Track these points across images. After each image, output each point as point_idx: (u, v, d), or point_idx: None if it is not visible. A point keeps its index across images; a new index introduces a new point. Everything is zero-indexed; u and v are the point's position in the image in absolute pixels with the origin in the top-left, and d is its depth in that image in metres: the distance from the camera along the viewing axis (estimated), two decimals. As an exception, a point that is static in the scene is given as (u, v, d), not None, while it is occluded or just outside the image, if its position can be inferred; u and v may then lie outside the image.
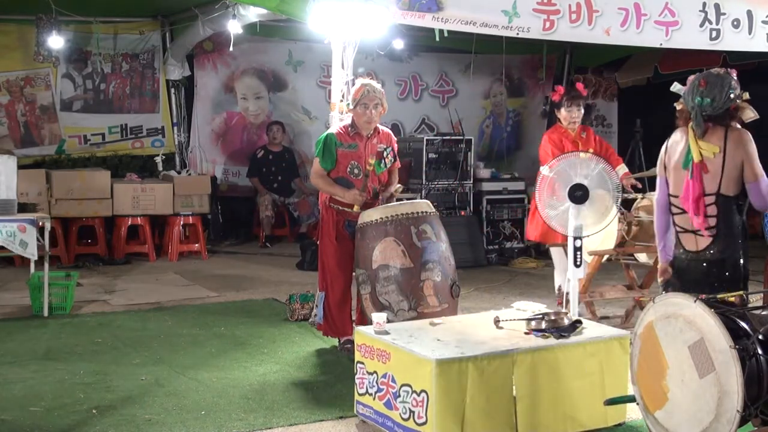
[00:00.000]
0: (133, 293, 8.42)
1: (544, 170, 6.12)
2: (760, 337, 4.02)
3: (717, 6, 7.68)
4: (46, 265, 7.36)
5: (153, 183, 10.55)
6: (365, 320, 5.92)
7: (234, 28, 9.15)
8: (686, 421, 4.02)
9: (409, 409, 4.46)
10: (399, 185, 6.55)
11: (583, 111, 7.27)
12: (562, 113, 7.22)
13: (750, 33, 7.86)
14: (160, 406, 5.17)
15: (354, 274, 6.23)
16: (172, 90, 11.63)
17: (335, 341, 6.52)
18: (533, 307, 5.38)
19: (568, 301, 6.20)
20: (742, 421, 3.85)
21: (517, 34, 7.13)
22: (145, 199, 10.26)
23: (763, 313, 4.31)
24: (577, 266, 6.03)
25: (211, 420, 4.95)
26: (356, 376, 4.93)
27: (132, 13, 11.14)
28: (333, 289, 6.35)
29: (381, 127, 6.40)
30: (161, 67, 11.50)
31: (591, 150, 7.06)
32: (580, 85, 7.33)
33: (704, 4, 7.64)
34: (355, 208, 6.16)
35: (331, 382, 5.71)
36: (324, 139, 6.29)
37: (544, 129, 13.58)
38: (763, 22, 7.88)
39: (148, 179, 10.84)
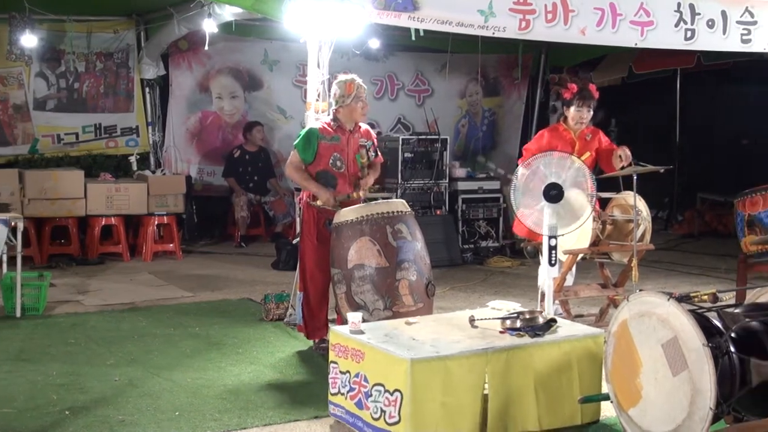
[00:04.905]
0: (106, 293, 8.36)
1: (519, 170, 6.13)
2: (733, 335, 4.05)
3: (692, 6, 7.71)
4: (19, 266, 7.29)
5: (127, 183, 10.49)
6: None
7: (209, 27, 9.11)
8: (659, 419, 4.05)
9: (381, 408, 4.45)
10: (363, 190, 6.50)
11: (592, 113, 7.22)
12: (571, 112, 7.13)
13: (725, 33, 7.90)
14: (133, 407, 5.14)
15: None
16: (147, 89, 11.56)
17: (310, 341, 6.50)
18: (508, 306, 5.41)
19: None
20: (715, 419, 3.88)
21: (493, 33, 7.12)
22: (119, 198, 10.20)
23: (736, 311, 4.34)
24: (552, 265, 6.05)
25: (185, 420, 4.93)
26: (329, 376, 4.92)
27: (106, 12, 11.06)
28: (312, 289, 6.35)
29: (360, 123, 6.42)
30: (136, 66, 11.43)
31: (588, 153, 7.06)
32: (592, 87, 7.26)
33: (679, 5, 7.67)
34: (319, 202, 6.20)
35: (305, 382, 5.70)
36: (306, 132, 6.31)
37: (520, 128, 13.72)
38: (738, 22, 7.93)
39: (122, 179, 10.80)
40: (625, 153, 6.99)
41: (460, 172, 11.14)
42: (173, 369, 5.92)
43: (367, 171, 6.48)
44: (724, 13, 7.86)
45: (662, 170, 6.64)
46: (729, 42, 7.99)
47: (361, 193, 6.34)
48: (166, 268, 9.84)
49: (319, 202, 6.23)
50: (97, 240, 10.19)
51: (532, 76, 13.69)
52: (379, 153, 6.59)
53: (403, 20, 6.74)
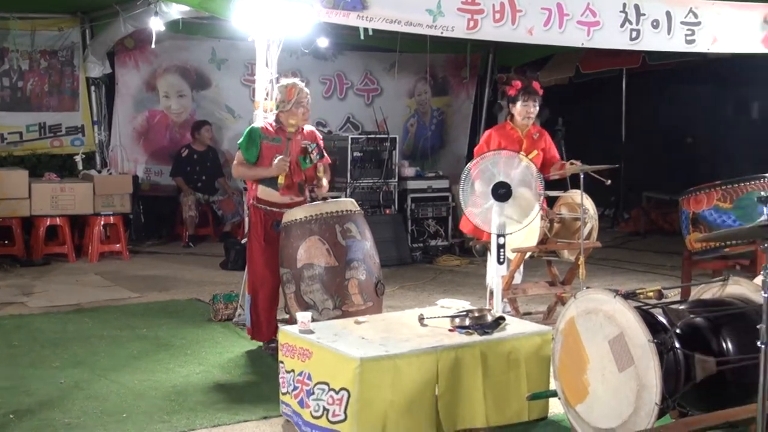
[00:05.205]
0: (52, 295, 8.24)
1: (468, 169, 6.15)
2: (678, 331, 4.11)
3: (637, 7, 7.80)
4: (-39, 267, 7.17)
5: (72, 182, 10.34)
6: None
7: (156, 25, 9.00)
8: (606, 415, 4.09)
9: (323, 407, 4.44)
10: (329, 193, 6.50)
11: (538, 108, 7.21)
12: (518, 108, 7.10)
13: (669, 33, 8.00)
14: (80, 410, 5.07)
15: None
16: (93, 88, 11.39)
17: (260, 341, 6.47)
18: (457, 304, 5.43)
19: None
20: (661, 414, 3.93)
21: (442, 33, 7.15)
22: (65, 198, 10.05)
23: (681, 307, 4.40)
24: (500, 263, 6.08)
25: (132, 423, 4.88)
26: (279, 376, 4.91)
27: (50, 10, 10.89)
28: (262, 292, 6.29)
29: (305, 126, 6.39)
30: (81, 65, 11.26)
31: (536, 151, 7.09)
32: (536, 84, 7.30)
33: (624, 5, 7.75)
34: (280, 180, 6.12)
35: (255, 383, 5.68)
36: (248, 131, 6.28)
37: (469, 128, 13.78)
38: (682, 22, 8.03)
39: (67, 179, 10.64)
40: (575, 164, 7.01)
41: (409, 171, 11.15)
42: (120, 371, 5.85)
43: (321, 176, 6.37)
44: (668, 14, 7.96)
45: (608, 182, 6.71)
46: (673, 42, 8.09)
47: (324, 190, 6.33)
48: (113, 268, 9.72)
49: (280, 181, 6.13)
50: (42, 240, 10.03)
51: (480, 76, 13.75)
52: (326, 155, 6.52)
53: (351, 19, 6.73)
